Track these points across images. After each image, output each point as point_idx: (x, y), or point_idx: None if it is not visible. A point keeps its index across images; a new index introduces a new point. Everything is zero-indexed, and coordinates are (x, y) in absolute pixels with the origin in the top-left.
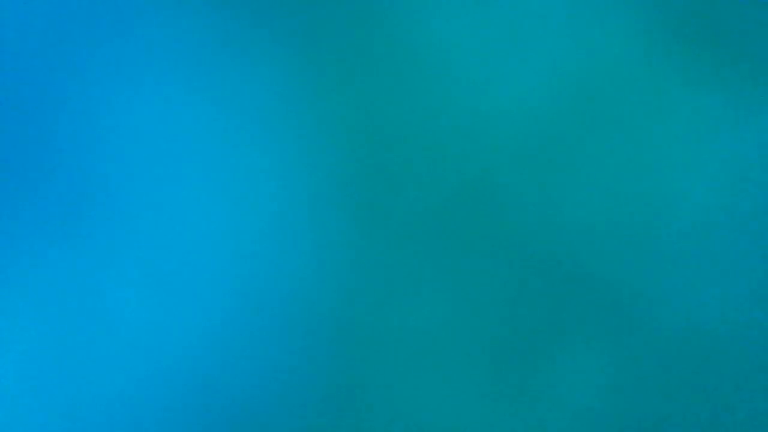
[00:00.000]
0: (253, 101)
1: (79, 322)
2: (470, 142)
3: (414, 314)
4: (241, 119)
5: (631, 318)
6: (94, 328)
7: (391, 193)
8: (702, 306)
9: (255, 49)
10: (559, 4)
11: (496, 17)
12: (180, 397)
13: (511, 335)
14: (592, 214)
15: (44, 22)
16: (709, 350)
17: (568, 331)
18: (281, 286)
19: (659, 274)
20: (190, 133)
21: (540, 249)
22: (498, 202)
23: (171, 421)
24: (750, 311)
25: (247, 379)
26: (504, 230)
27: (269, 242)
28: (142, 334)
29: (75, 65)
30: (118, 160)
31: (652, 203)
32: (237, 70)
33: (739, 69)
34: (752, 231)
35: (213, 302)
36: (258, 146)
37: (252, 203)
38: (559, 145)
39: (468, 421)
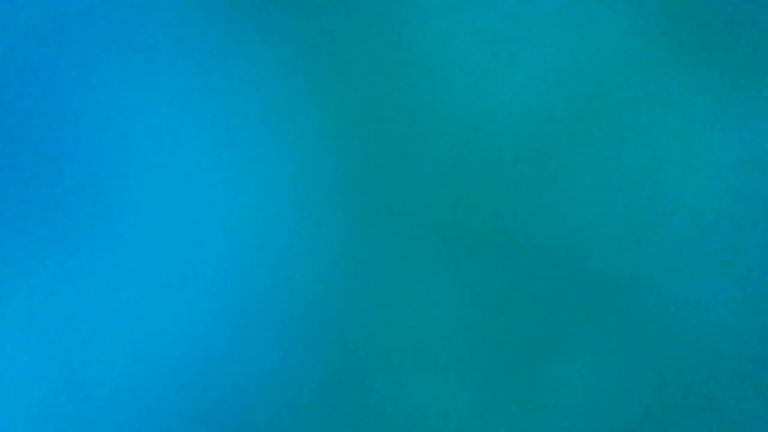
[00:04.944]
0: (253, 101)
1: (78, 322)
2: (470, 142)
3: (413, 314)
4: (240, 119)
5: (632, 318)
6: (92, 328)
7: (391, 193)
8: (703, 306)
9: (255, 49)
10: (559, 4)
11: (496, 17)
12: (178, 397)
13: (512, 335)
14: (592, 214)
15: (45, 23)
16: (710, 350)
17: (569, 330)
18: (280, 285)
19: (660, 275)
20: (189, 134)
21: (539, 248)
22: (498, 202)
23: (169, 421)
24: (750, 311)
25: (245, 379)
26: (504, 229)
27: (268, 242)
28: (140, 333)
29: (75, 66)
30: (116, 160)
31: (652, 203)
32: (236, 71)
33: (739, 70)
34: (752, 231)
35: (212, 302)
36: (258, 146)
37: (252, 203)
38: (559, 145)
39: (467, 421)
